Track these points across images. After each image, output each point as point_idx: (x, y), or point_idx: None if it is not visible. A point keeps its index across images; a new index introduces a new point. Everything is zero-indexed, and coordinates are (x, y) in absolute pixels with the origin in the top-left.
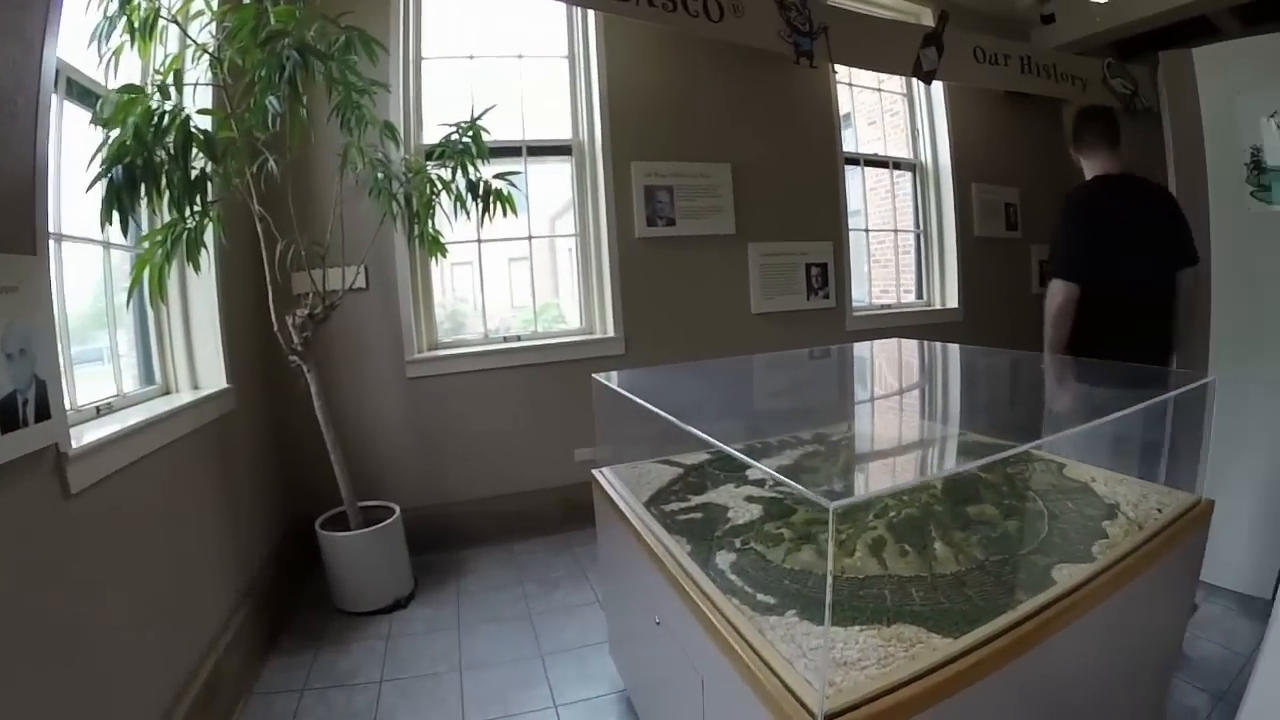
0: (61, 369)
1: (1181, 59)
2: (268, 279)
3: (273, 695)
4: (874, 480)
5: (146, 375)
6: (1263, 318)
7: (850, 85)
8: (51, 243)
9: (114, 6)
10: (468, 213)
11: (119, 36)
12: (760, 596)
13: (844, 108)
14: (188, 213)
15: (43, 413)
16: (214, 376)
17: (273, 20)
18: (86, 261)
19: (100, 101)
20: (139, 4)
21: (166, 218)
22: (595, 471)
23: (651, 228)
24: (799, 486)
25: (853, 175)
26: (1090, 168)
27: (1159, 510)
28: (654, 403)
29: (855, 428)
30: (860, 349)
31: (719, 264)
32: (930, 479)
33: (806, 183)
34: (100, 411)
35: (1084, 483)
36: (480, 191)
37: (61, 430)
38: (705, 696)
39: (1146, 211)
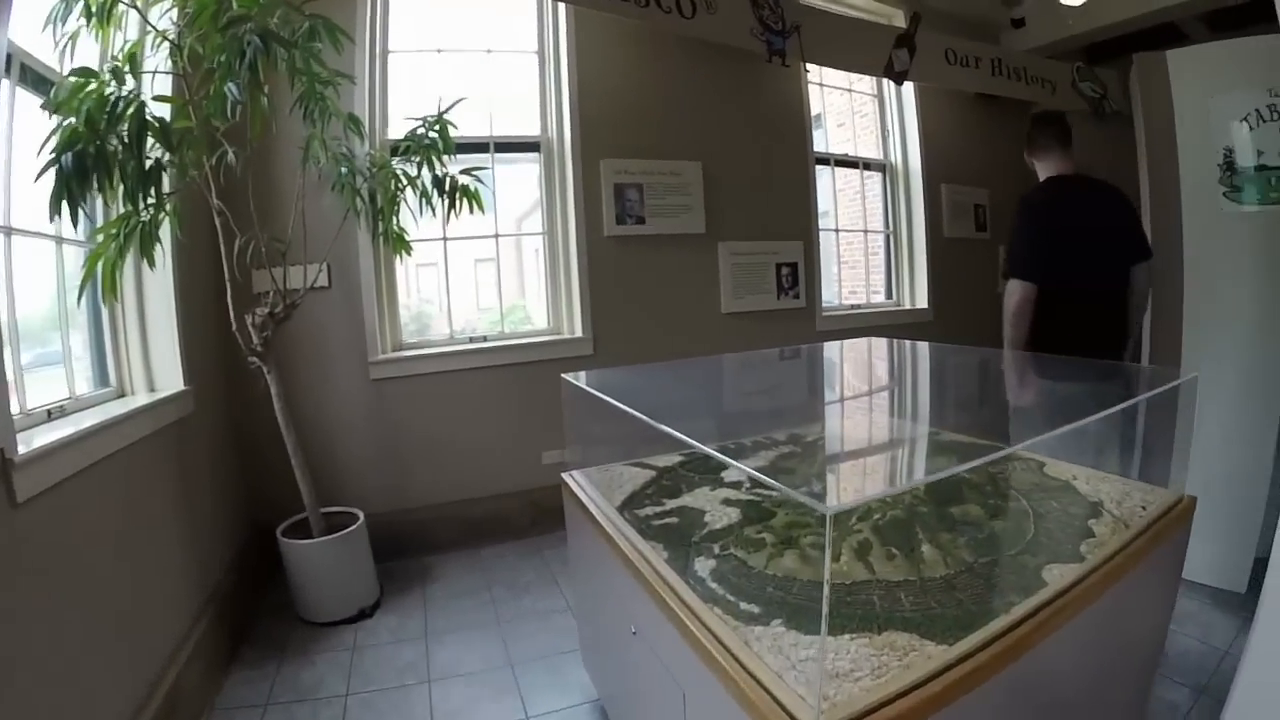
0: (9, 370)
1: (1155, 61)
2: (226, 276)
3: (235, 710)
4: (855, 482)
5: (101, 377)
6: (1232, 315)
7: (821, 85)
8: (0, 236)
9: None
10: (433, 209)
11: (76, 20)
12: (744, 605)
13: (815, 108)
14: (142, 205)
15: None
16: (171, 378)
17: (235, 5)
18: (39, 258)
19: (55, 88)
20: None
21: (121, 211)
22: (565, 475)
23: (621, 226)
24: (794, 492)
25: (822, 175)
26: (1044, 169)
27: (1143, 508)
28: (625, 403)
29: (831, 428)
30: (832, 348)
31: (689, 263)
32: (927, 480)
33: (777, 182)
34: (52, 415)
35: (1065, 481)
36: (446, 187)
37: (7, 435)
38: (688, 710)
39: (1099, 210)
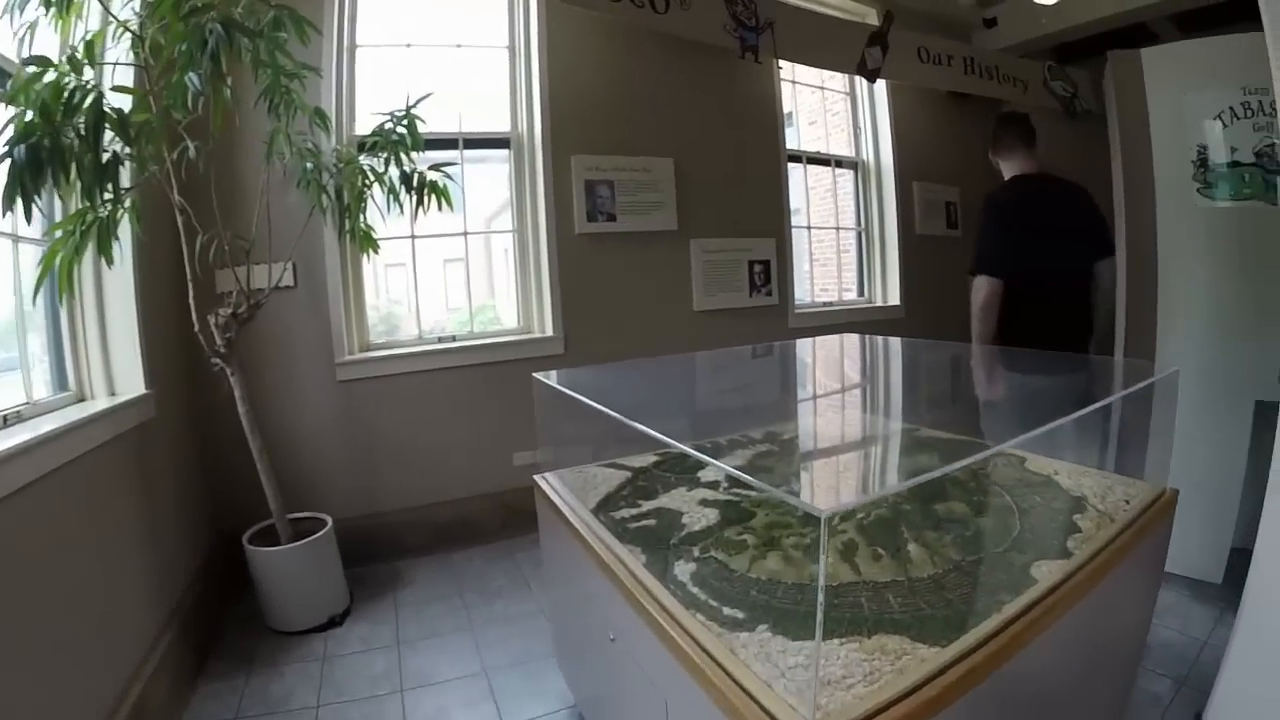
0: None
1: (1130, 59)
2: (188, 275)
3: None
4: (845, 482)
5: (60, 381)
6: (1205, 308)
7: (794, 83)
8: None
9: None
10: (400, 206)
11: (35, 9)
12: (727, 610)
13: (787, 105)
14: (99, 200)
15: None
16: (132, 381)
17: None
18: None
19: (12, 79)
20: None
21: (78, 206)
22: (537, 477)
23: (592, 223)
24: (789, 496)
25: (794, 172)
26: (1009, 168)
27: (1126, 502)
28: (598, 403)
29: (809, 426)
30: (806, 345)
31: (661, 260)
32: (923, 479)
33: (749, 179)
34: (8, 421)
35: (1047, 476)
36: (414, 184)
37: None
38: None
39: (1064, 208)
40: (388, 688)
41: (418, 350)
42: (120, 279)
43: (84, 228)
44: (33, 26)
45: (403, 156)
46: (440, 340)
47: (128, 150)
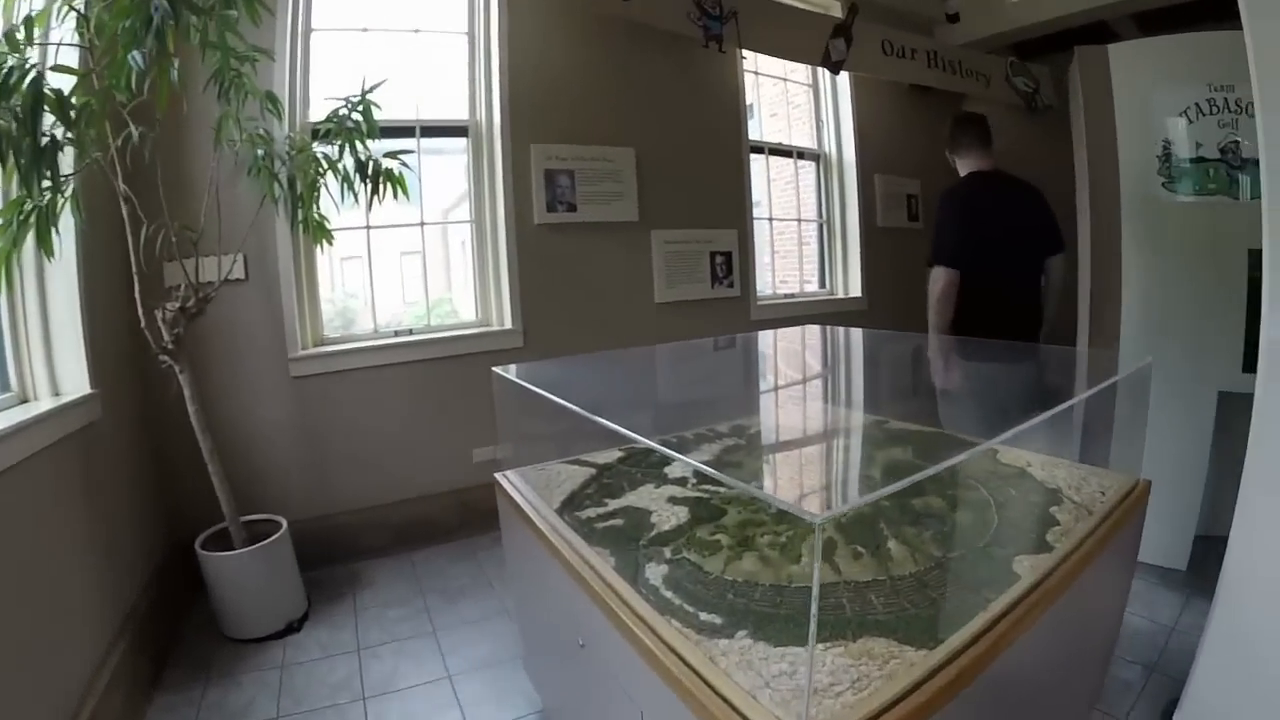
0: None
1: (1096, 55)
2: (133, 268)
3: None
4: (827, 482)
5: (2, 381)
6: (1168, 300)
7: (756, 74)
8: None
9: None
10: (355, 195)
11: None
12: (704, 616)
13: (749, 97)
14: (37, 188)
15: None
16: (77, 380)
17: None
18: None
19: None
20: None
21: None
22: (498, 475)
23: (552, 213)
24: (781, 501)
25: (756, 164)
26: (965, 166)
27: (1102, 493)
28: (559, 397)
29: (776, 420)
30: (771, 337)
31: (621, 251)
32: (920, 478)
33: (712, 170)
34: None
35: (1020, 468)
36: (370, 172)
37: None
38: None
39: (1018, 205)
40: (349, 696)
41: (374, 345)
42: (63, 272)
43: (21, 218)
44: None
45: (358, 144)
46: (397, 334)
47: (68, 135)
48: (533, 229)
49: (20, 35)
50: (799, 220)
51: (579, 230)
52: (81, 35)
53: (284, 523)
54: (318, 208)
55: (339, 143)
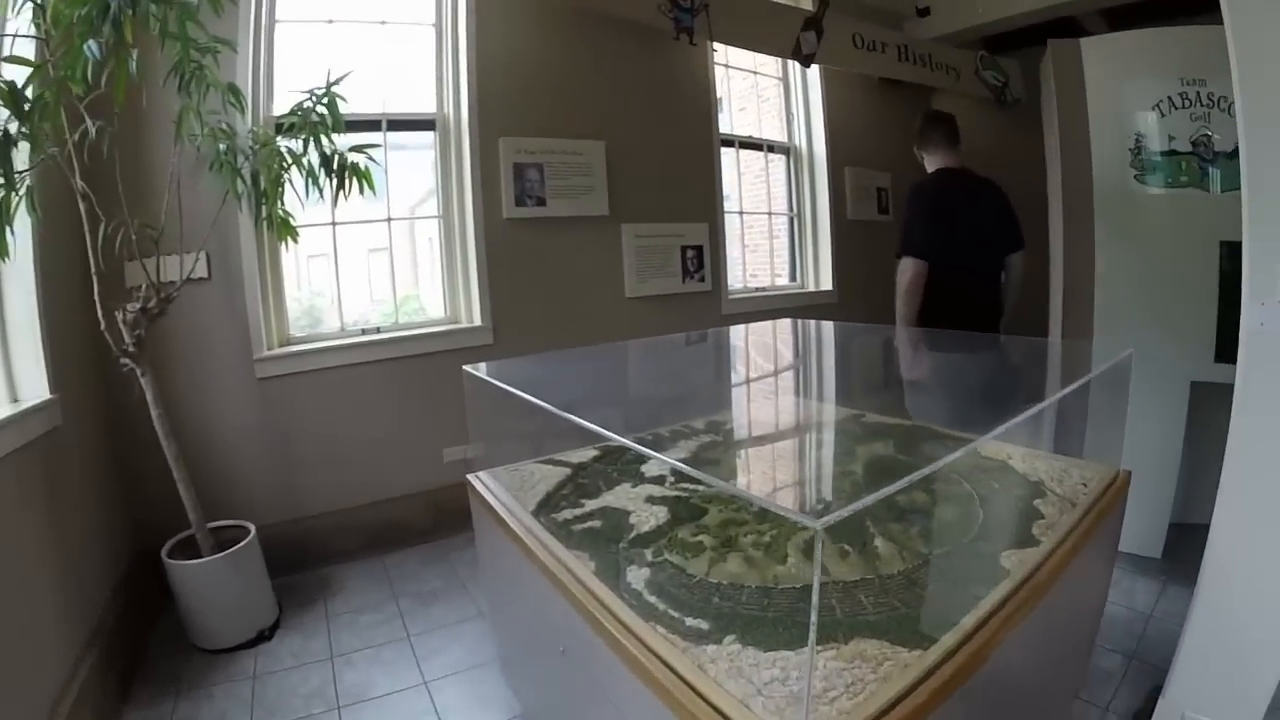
0: None
1: (1069, 48)
2: (92, 268)
3: None
4: (821, 482)
5: None
6: (1141, 292)
7: (727, 67)
8: None
9: None
10: (320, 191)
11: None
12: (689, 621)
13: (719, 90)
14: None
15: None
16: (35, 386)
17: None
18: None
19: None
20: None
21: None
22: (471, 477)
23: (521, 208)
24: (780, 507)
25: (726, 157)
26: (932, 162)
27: (1084, 485)
28: (532, 395)
29: (753, 415)
30: (744, 331)
31: (592, 246)
32: (917, 476)
33: (682, 163)
34: None
35: (1002, 461)
36: (335, 166)
37: None
38: None
39: (982, 202)
40: (323, 705)
41: (341, 344)
42: (19, 273)
43: None
44: None
45: (323, 138)
46: (364, 333)
47: (22, 129)
48: (501, 224)
49: None
50: (770, 213)
51: (548, 225)
52: (38, 26)
53: (252, 528)
54: (282, 204)
55: (304, 137)
